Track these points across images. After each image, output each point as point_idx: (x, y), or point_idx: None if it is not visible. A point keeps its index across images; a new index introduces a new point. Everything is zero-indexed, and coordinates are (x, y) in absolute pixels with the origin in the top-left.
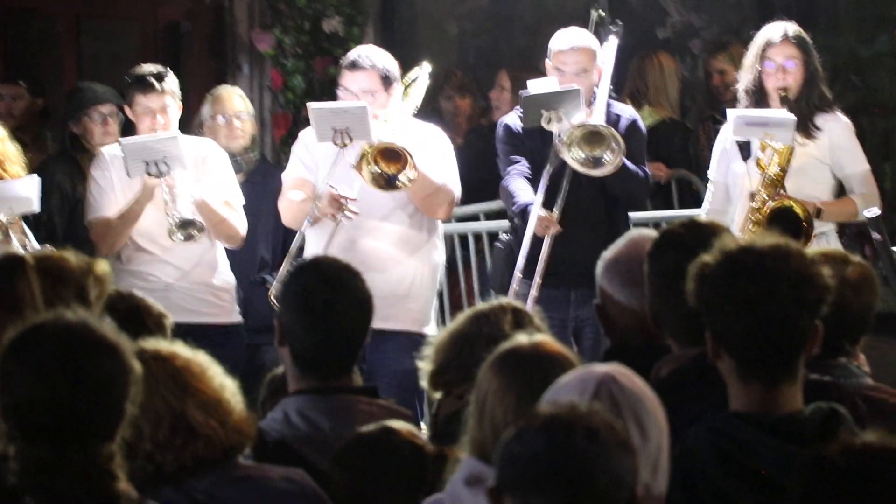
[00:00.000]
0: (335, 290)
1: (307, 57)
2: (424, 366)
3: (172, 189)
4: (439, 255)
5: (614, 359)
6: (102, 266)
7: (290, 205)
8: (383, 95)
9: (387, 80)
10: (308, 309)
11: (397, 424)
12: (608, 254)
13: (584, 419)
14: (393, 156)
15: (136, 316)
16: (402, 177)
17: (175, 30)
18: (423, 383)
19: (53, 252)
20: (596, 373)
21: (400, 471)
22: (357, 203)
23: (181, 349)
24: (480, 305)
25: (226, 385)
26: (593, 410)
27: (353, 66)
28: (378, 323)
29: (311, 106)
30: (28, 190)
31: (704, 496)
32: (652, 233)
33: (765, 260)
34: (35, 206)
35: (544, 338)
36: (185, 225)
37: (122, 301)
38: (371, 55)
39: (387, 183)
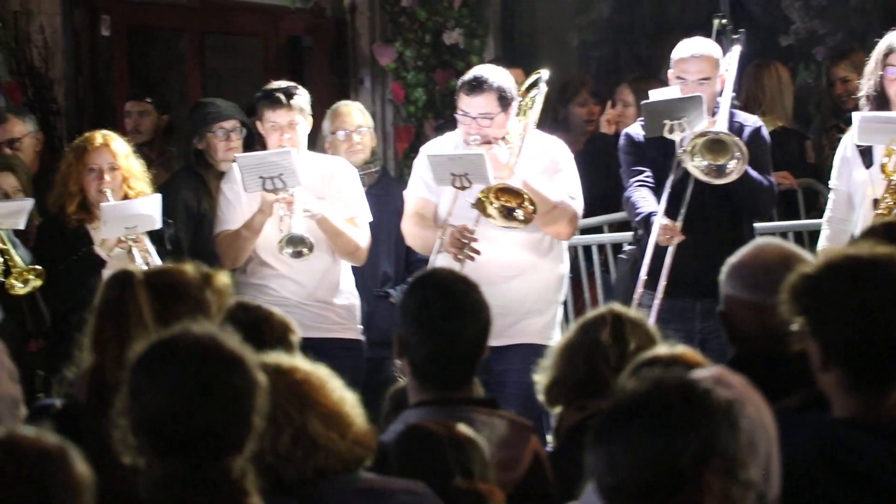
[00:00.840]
0: (451, 301)
1: (428, 69)
2: (540, 379)
3: (290, 205)
4: (564, 268)
5: (739, 367)
6: (222, 278)
7: (414, 232)
8: (501, 116)
9: (504, 100)
10: (424, 320)
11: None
12: (734, 260)
13: None
14: (512, 191)
15: (259, 328)
16: (520, 211)
17: (297, 44)
18: (540, 397)
19: (171, 267)
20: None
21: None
22: (478, 231)
23: (301, 362)
24: (586, 316)
25: (346, 398)
26: None
27: (470, 89)
28: (504, 337)
29: (429, 155)
30: (150, 208)
31: (812, 502)
32: (779, 241)
33: (881, 266)
34: (157, 224)
35: (684, 349)
36: (295, 241)
37: (247, 313)
38: (488, 76)
39: (508, 215)
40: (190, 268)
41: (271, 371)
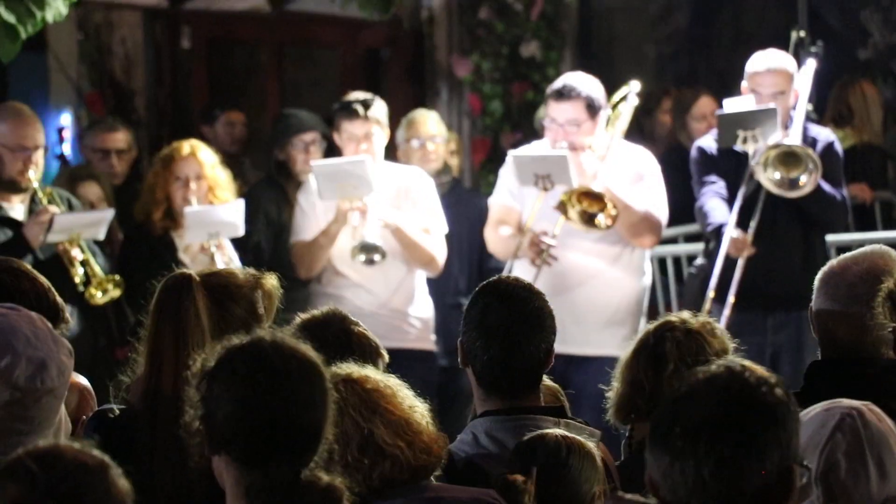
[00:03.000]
0: (512, 309)
1: (505, 82)
2: (609, 394)
3: (364, 213)
4: (646, 280)
5: (822, 370)
6: (271, 281)
7: (496, 238)
8: (589, 123)
9: (592, 108)
10: (485, 328)
11: None
12: (835, 263)
13: None
14: (594, 196)
15: (344, 338)
16: (601, 216)
17: (375, 56)
18: (609, 414)
19: (221, 270)
20: (842, 406)
21: None
22: (559, 238)
23: (372, 372)
24: (648, 327)
25: (415, 407)
26: None
27: (559, 96)
28: (583, 347)
29: (514, 154)
30: (233, 215)
31: None
32: (887, 249)
33: None
34: (240, 231)
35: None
36: (367, 249)
37: (335, 322)
38: (576, 84)
39: (590, 221)
40: (239, 271)
41: (342, 380)
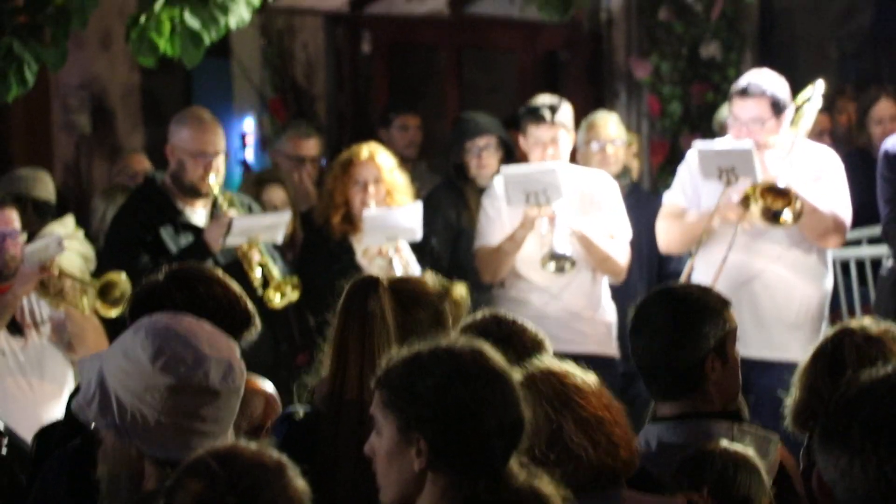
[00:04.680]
0: (672, 307)
1: (684, 83)
2: (788, 402)
3: (552, 220)
4: (829, 283)
5: None
6: (460, 290)
7: (669, 229)
8: (773, 122)
9: (777, 107)
10: (642, 330)
11: None
12: None
13: None
14: (779, 192)
15: (511, 342)
16: (787, 212)
17: (553, 59)
18: (787, 421)
19: (411, 276)
20: None
21: None
22: (741, 240)
23: (574, 369)
24: (827, 333)
25: (612, 408)
26: None
27: (743, 93)
28: (765, 350)
29: (699, 147)
30: (411, 219)
31: None
32: None
33: None
34: (418, 235)
35: None
36: (558, 257)
37: (500, 326)
38: (761, 82)
39: (773, 218)
40: (430, 279)
41: (540, 372)
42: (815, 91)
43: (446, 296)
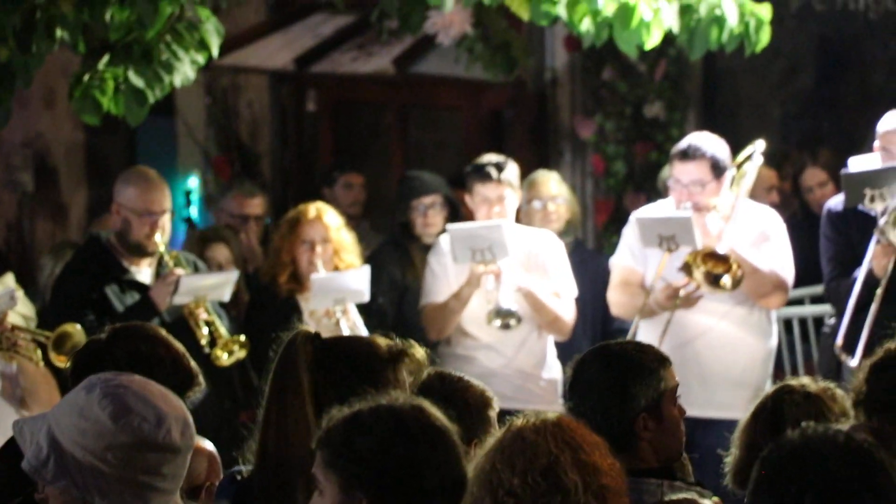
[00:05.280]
0: (597, 369)
1: (628, 142)
2: (728, 459)
3: (498, 277)
4: (774, 340)
5: None
6: (419, 351)
7: (621, 301)
8: (713, 184)
9: (717, 169)
10: (577, 387)
11: None
12: None
13: None
14: (719, 257)
15: (455, 400)
16: (726, 278)
17: (498, 118)
18: (727, 479)
19: (354, 337)
20: None
21: None
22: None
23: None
24: (767, 391)
25: (614, 465)
26: None
27: (683, 156)
28: (708, 409)
29: (637, 216)
30: (360, 281)
31: None
32: None
33: None
34: (365, 297)
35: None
36: (503, 314)
37: (444, 384)
38: (701, 144)
39: (714, 282)
40: (382, 340)
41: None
42: (756, 150)
43: (401, 356)
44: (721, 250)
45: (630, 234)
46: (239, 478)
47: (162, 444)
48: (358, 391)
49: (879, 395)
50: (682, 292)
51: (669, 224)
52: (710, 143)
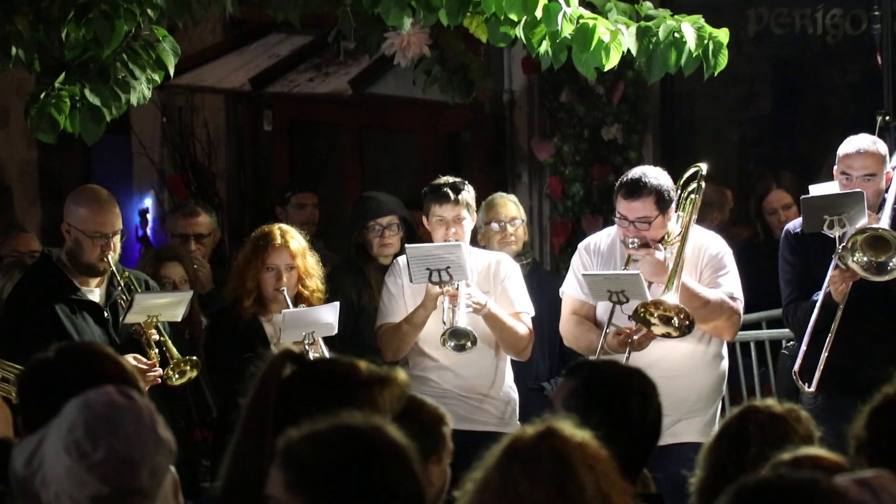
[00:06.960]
0: (608, 387)
1: (586, 165)
2: (692, 481)
3: (453, 298)
4: (724, 366)
5: None
6: (401, 376)
7: (574, 335)
8: (660, 218)
9: (662, 203)
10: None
11: None
12: None
13: None
14: (668, 306)
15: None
16: (675, 319)
17: (455, 140)
18: (692, 501)
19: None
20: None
21: None
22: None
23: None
24: (731, 413)
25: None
26: None
27: (628, 193)
28: (666, 436)
29: (584, 274)
30: (331, 315)
31: None
32: None
33: None
34: (334, 330)
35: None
36: (458, 335)
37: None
38: (646, 180)
39: (667, 322)
40: (363, 364)
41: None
42: (699, 174)
43: (382, 381)
44: (669, 300)
45: (577, 263)
46: (213, 494)
47: (131, 490)
48: (333, 412)
49: (881, 442)
50: (634, 337)
51: (619, 281)
52: (653, 177)
